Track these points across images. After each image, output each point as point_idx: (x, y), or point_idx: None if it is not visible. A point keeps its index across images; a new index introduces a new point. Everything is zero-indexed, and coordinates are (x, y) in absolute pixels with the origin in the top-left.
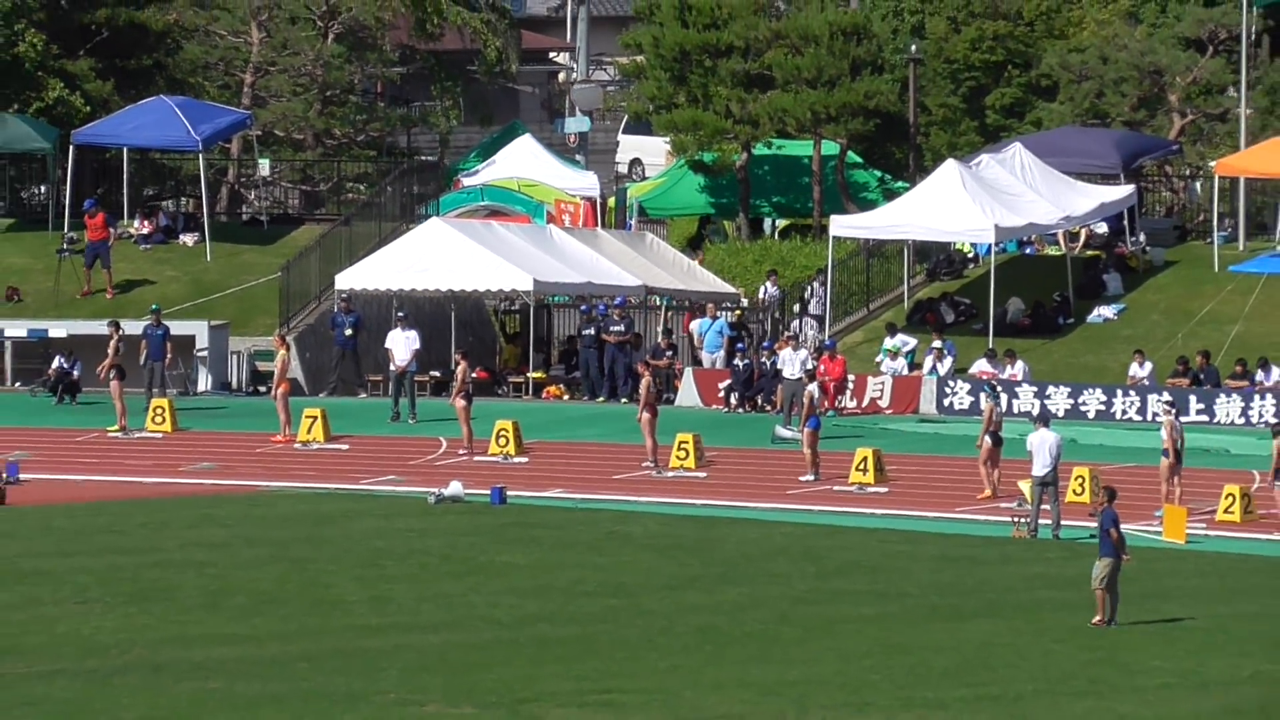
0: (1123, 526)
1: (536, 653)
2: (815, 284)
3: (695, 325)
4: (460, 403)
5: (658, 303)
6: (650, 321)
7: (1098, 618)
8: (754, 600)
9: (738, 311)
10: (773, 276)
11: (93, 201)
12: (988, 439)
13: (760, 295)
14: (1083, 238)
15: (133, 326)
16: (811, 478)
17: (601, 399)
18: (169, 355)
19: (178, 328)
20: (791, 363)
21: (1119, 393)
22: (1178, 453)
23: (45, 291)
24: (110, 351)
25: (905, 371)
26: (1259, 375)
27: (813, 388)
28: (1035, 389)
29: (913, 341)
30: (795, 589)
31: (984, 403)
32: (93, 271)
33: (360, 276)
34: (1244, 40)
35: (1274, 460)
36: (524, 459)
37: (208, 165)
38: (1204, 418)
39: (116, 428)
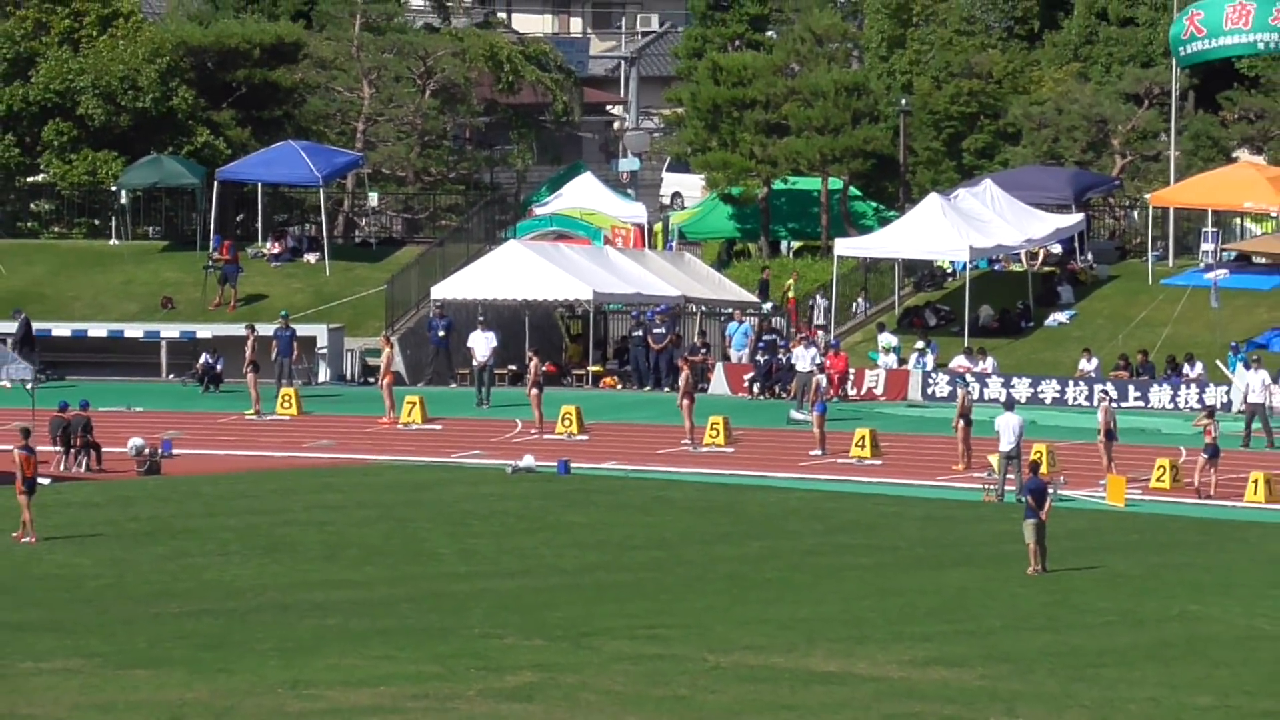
0: (1073, 492)
1: (595, 595)
2: (818, 296)
3: (727, 328)
4: (533, 391)
5: (693, 310)
6: (689, 325)
7: (1031, 568)
8: (772, 552)
9: (760, 320)
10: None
11: (219, 238)
12: (961, 421)
13: (787, 292)
14: (1041, 256)
15: (265, 329)
16: (819, 453)
17: (648, 388)
18: (295, 352)
19: (302, 330)
20: (803, 358)
21: (1071, 383)
22: (1110, 431)
23: (194, 300)
24: (248, 349)
25: (896, 366)
26: (1185, 369)
27: (821, 378)
28: (1002, 380)
29: (895, 339)
30: (806, 543)
31: (959, 391)
32: (224, 287)
33: (451, 288)
34: (1174, 95)
35: (1205, 438)
36: (585, 437)
37: (327, 197)
38: (1140, 404)
39: (252, 412)
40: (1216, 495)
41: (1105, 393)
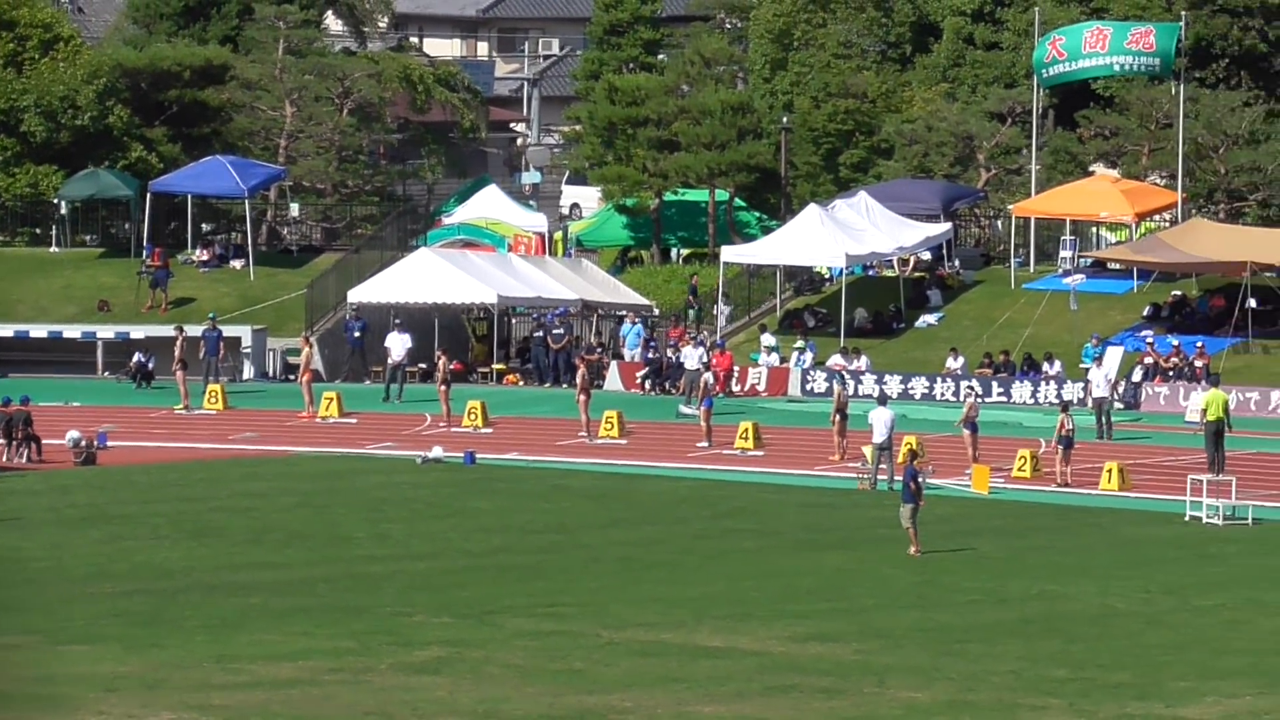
0: (941, 481)
1: (498, 576)
2: (721, 302)
3: (620, 329)
4: (442, 388)
5: (590, 313)
6: (586, 326)
7: (913, 549)
8: (663, 536)
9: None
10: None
11: (150, 246)
12: (837, 415)
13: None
14: (912, 263)
15: (194, 329)
16: (706, 445)
17: (548, 385)
18: (221, 351)
19: (228, 331)
20: (691, 357)
21: (939, 380)
22: (974, 424)
23: (128, 304)
24: (177, 348)
25: (777, 364)
26: (1045, 366)
27: (707, 376)
28: (875, 377)
29: (775, 339)
30: (694, 528)
31: (835, 387)
32: (155, 291)
33: (367, 292)
34: (1035, 113)
35: (1057, 430)
36: (489, 430)
37: (252, 208)
38: (1004, 399)
39: (181, 407)
40: (1073, 484)
41: (972, 388)
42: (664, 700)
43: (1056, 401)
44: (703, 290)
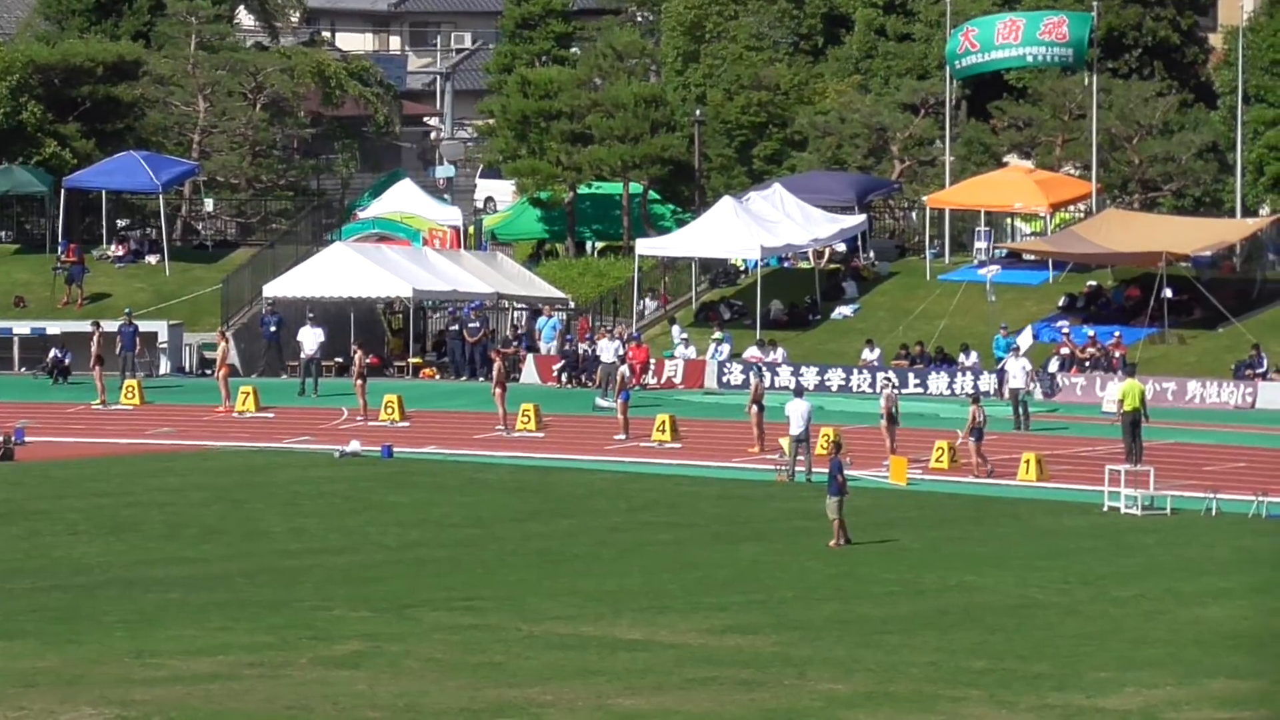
0: (858, 472)
1: (416, 569)
2: (648, 299)
3: (536, 322)
4: (358, 382)
5: (506, 306)
6: (501, 320)
7: (833, 541)
8: (580, 529)
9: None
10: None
11: (65, 241)
12: (754, 407)
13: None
14: (827, 254)
15: (110, 325)
16: (623, 437)
17: (464, 379)
18: (138, 347)
19: (144, 326)
20: (607, 350)
21: (855, 371)
22: (893, 416)
23: (44, 299)
24: (94, 344)
25: (694, 356)
26: (961, 357)
27: (624, 369)
28: (792, 368)
29: (686, 334)
30: (611, 520)
31: (752, 379)
32: (71, 287)
33: (282, 287)
34: (948, 104)
35: (969, 422)
36: (406, 424)
37: (166, 204)
38: (920, 390)
39: (98, 402)
40: (986, 474)
41: (889, 379)
42: (583, 693)
43: (971, 392)
44: (618, 283)
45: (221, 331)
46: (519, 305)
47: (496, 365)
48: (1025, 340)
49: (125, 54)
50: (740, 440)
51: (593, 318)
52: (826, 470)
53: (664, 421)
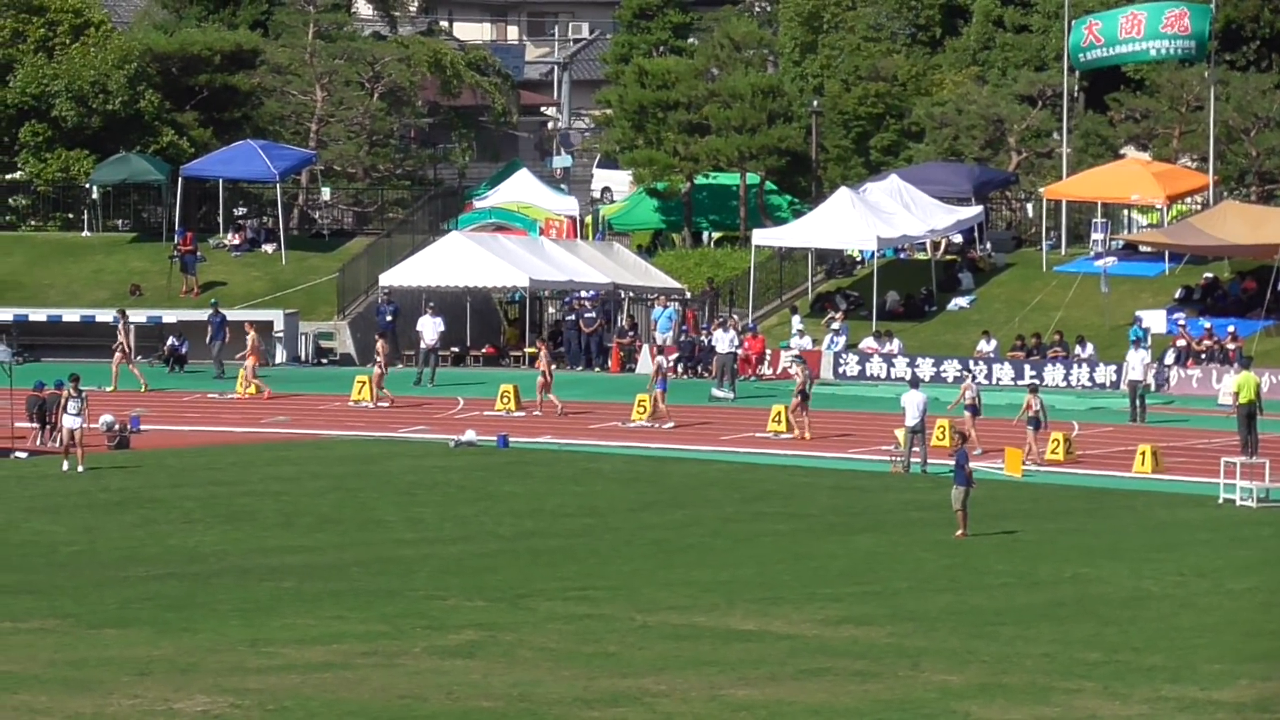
0: (973, 464)
1: (531, 559)
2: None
3: (652, 313)
4: (541, 380)
5: (622, 296)
6: (617, 310)
7: (959, 532)
8: (694, 520)
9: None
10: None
11: (181, 230)
12: (797, 395)
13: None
14: (943, 246)
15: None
16: (653, 424)
17: (580, 368)
18: (227, 336)
19: (259, 316)
20: (722, 340)
21: (970, 363)
22: (975, 407)
23: (160, 288)
24: (121, 334)
25: (809, 346)
26: (1077, 349)
27: (661, 359)
28: (907, 360)
29: (802, 324)
30: (725, 511)
31: (794, 368)
32: (186, 275)
33: (398, 276)
34: (1065, 96)
35: (1024, 410)
36: (521, 413)
37: (283, 192)
38: (1035, 382)
39: (111, 388)
40: (1040, 461)
41: (968, 371)
42: (697, 683)
43: (1089, 385)
44: (729, 277)
45: (249, 323)
46: (645, 295)
47: (542, 353)
48: (1157, 321)
49: (243, 43)
50: (856, 431)
51: (707, 308)
52: (953, 463)
53: (779, 412)
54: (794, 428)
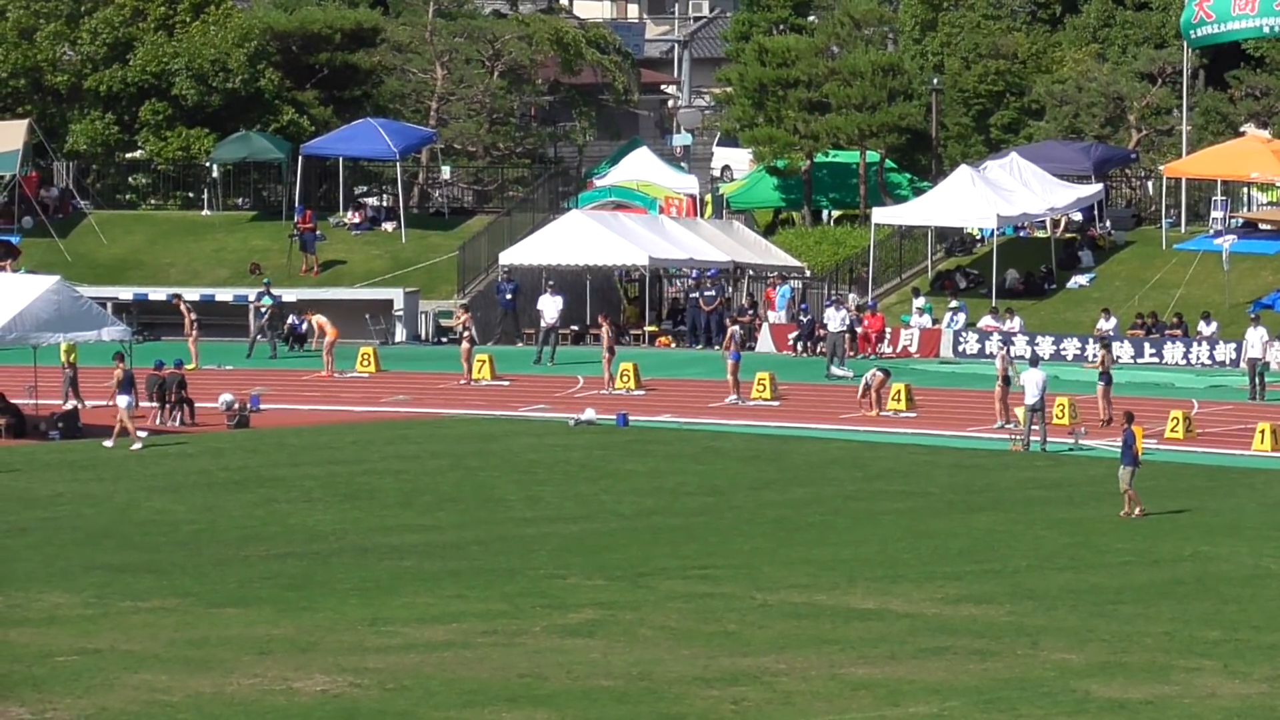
0: (1093, 442)
1: (651, 538)
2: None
3: (773, 291)
4: (607, 354)
5: (742, 274)
6: (738, 288)
7: (1124, 510)
8: (815, 498)
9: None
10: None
11: (301, 208)
12: (879, 372)
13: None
14: (1063, 224)
15: (344, 294)
16: (734, 398)
17: (700, 347)
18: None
19: (379, 294)
20: (834, 319)
21: (1090, 341)
22: (1008, 378)
23: (280, 266)
24: (186, 312)
25: (929, 325)
26: (1200, 325)
27: (735, 328)
28: (1027, 338)
29: (921, 301)
30: (846, 489)
31: (998, 354)
32: (306, 254)
33: (518, 254)
34: (1185, 74)
35: (1100, 365)
36: (642, 392)
37: (403, 171)
38: (1155, 359)
39: (191, 366)
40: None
41: (1005, 342)
42: (817, 662)
43: (1209, 362)
44: (854, 252)
45: (308, 312)
46: (765, 273)
47: (605, 329)
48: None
49: (363, 21)
50: (976, 409)
51: (827, 286)
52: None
53: (899, 391)
54: (1000, 415)
